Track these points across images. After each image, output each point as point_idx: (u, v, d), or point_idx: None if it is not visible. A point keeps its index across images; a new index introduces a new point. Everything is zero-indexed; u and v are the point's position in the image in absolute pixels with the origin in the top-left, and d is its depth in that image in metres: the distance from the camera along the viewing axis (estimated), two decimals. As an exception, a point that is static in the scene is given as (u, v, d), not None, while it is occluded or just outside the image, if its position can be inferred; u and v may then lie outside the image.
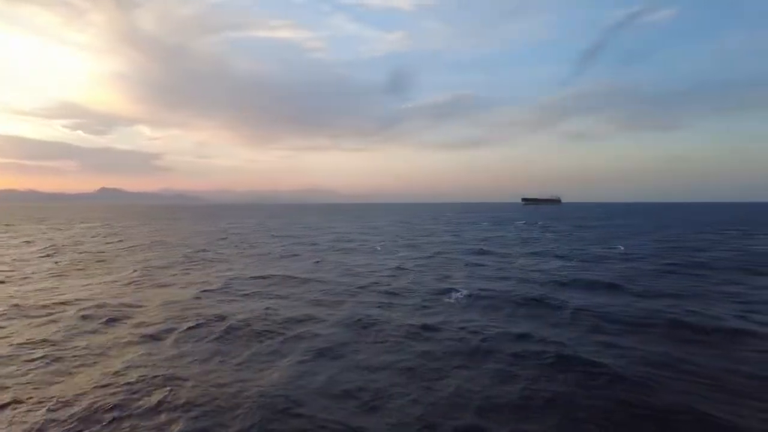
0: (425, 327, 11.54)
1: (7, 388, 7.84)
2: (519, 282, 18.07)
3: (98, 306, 13.66)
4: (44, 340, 10.46)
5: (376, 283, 17.98)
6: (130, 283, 17.82)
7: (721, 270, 20.95)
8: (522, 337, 10.72)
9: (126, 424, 6.66)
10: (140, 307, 13.83)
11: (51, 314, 12.90)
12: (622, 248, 30.59)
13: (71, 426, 6.60)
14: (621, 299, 14.82)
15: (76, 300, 14.65)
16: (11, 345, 10.11)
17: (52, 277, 19.44)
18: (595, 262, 24.41)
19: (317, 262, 24.40)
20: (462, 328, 11.43)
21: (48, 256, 27.05)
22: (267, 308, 13.40)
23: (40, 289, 16.55)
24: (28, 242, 36.59)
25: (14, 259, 25.17)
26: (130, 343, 10.35)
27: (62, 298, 15.01)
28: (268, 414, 6.93)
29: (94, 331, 11.30)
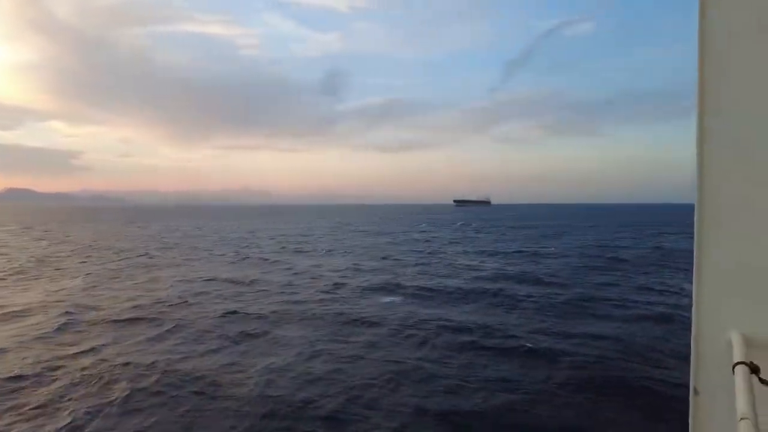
0: (373, 324, 12.31)
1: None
2: (464, 280, 19.29)
3: (48, 316, 13.25)
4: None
5: (336, 284, 18.51)
6: (76, 289, 17.18)
7: (639, 265, 23.42)
8: (479, 328, 11.75)
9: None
10: (95, 311, 13.53)
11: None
12: (553, 248, 32.99)
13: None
14: (558, 291, 16.37)
15: (22, 311, 14.06)
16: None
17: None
18: (531, 259, 26.34)
19: (269, 264, 24.53)
20: (416, 322, 12.29)
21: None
22: (226, 312, 13.59)
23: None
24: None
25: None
26: (86, 351, 10.25)
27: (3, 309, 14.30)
28: (239, 406, 7.36)
29: (43, 340, 11.01)
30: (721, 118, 1.50)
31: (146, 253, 29.59)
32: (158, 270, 22.38)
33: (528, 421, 7.10)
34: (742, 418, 1.12)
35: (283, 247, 34.81)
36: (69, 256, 28.61)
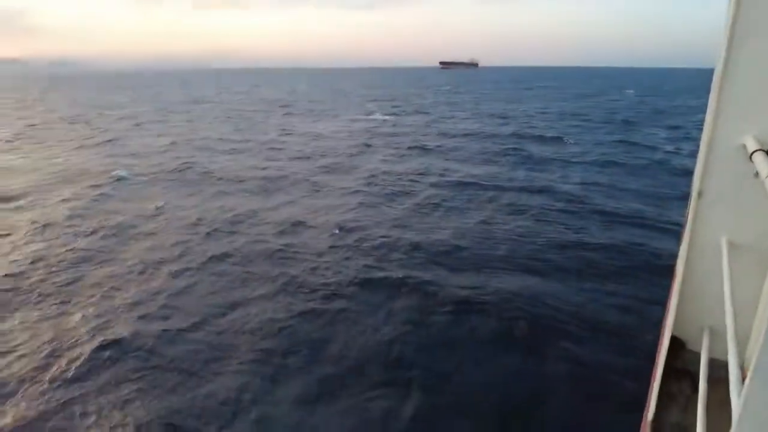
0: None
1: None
2: (482, 137, 21.51)
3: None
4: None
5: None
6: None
7: (641, 123, 25.90)
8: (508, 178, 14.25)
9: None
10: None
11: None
12: (555, 109, 34.96)
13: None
14: (559, 146, 18.84)
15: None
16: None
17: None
18: (531, 118, 28.48)
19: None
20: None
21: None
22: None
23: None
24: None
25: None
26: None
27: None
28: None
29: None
30: None
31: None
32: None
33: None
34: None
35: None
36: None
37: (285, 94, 58.09)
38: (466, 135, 22.27)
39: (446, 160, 16.67)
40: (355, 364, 5.39)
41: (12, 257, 8.58)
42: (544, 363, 5.28)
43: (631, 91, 54.83)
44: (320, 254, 8.43)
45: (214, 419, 4.60)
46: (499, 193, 12.11)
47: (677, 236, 2.05)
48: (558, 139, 20.35)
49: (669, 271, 2.16)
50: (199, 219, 10.50)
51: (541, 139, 20.64)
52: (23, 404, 4.85)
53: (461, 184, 13.16)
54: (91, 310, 6.69)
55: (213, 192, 12.86)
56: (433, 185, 13.16)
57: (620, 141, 19.61)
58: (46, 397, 4.95)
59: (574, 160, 16.09)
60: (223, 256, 8.39)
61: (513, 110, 34.21)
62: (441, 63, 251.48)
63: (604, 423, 4.37)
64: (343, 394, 4.90)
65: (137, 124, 28.50)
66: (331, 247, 8.75)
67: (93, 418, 4.65)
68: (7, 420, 4.62)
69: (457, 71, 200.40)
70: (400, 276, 7.39)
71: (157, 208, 11.34)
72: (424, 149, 18.69)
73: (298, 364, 5.42)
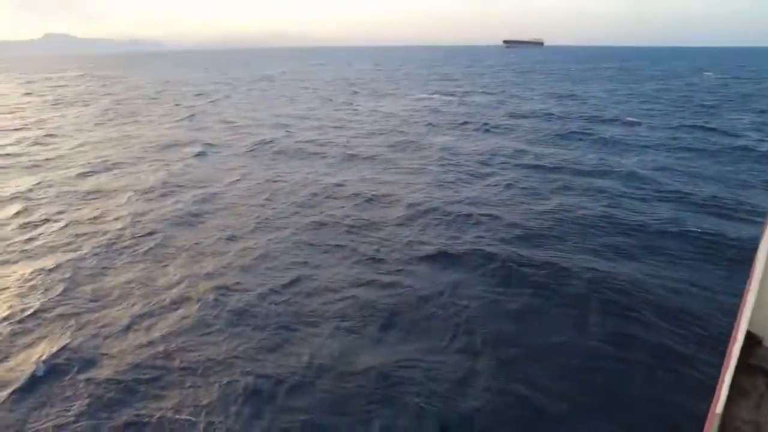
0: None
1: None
2: (550, 118, 21.12)
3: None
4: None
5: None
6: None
7: (723, 107, 24.32)
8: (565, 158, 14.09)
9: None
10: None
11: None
12: (626, 91, 33.37)
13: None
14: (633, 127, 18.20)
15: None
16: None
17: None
18: (600, 99, 27.44)
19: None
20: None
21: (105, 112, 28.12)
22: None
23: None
24: (51, 99, 36.56)
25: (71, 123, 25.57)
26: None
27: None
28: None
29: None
30: None
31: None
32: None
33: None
34: None
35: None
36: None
37: (349, 73, 58.71)
38: (533, 116, 21.92)
39: (514, 140, 16.64)
40: (425, 334, 5.72)
41: (110, 219, 9.63)
42: (612, 346, 5.41)
43: (711, 74, 51.07)
44: (392, 229, 8.84)
45: (290, 375, 5.03)
46: (570, 176, 12.05)
47: (759, 226, 2.09)
48: (630, 123, 19.64)
49: (746, 263, 2.16)
50: (274, 192, 11.18)
51: (612, 121, 20.02)
52: (117, 355, 5.41)
53: (531, 166, 13.18)
54: (178, 271, 7.40)
55: (287, 167, 13.57)
56: (501, 165, 13.29)
57: (699, 126, 18.63)
58: (138, 348, 5.52)
59: (648, 144, 15.56)
60: (298, 228, 8.97)
61: (582, 91, 33.02)
62: (505, 42, 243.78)
63: (668, 410, 4.46)
64: (413, 359, 5.23)
65: (212, 101, 30.02)
66: (402, 224, 9.13)
67: (178, 364, 5.19)
68: (104, 369, 5.18)
69: (522, 50, 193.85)
70: (471, 254, 7.67)
71: (236, 181, 12.16)
72: (490, 130, 18.69)
73: (371, 329, 5.84)
